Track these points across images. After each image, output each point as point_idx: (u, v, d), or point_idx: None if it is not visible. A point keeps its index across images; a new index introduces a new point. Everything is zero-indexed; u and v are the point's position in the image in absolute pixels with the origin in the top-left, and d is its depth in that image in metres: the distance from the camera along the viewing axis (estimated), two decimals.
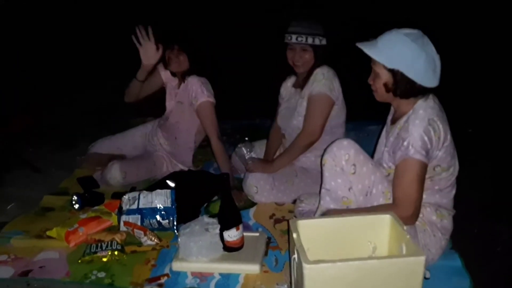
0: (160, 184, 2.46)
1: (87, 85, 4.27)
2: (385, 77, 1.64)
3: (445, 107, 1.74)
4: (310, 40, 2.21)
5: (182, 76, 2.67)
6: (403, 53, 1.57)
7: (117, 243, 1.97)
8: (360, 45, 1.64)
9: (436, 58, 1.60)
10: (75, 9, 5.93)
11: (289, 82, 2.53)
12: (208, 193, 2.47)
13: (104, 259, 1.91)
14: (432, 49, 1.59)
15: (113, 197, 2.46)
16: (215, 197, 2.49)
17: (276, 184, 2.37)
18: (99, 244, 1.96)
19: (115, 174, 2.55)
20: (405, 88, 1.62)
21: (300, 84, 2.36)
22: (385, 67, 1.62)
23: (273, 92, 2.66)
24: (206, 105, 2.61)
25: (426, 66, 1.57)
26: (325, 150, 1.83)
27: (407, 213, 1.60)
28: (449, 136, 1.65)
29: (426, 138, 1.58)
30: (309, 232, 1.53)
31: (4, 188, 2.68)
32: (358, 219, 1.57)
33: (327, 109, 2.27)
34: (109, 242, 1.96)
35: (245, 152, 2.45)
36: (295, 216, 2.25)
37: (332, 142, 1.81)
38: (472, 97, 3.78)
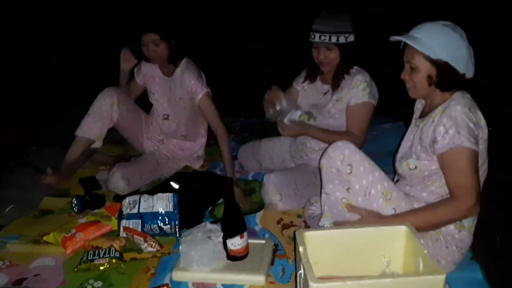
0: (164, 186, 2.37)
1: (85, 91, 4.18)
2: (427, 69, 1.54)
3: None
4: (334, 39, 2.07)
5: (165, 63, 2.54)
6: (447, 43, 1.50)
7: (115, 250, 1.87)
8: (399, 38, 1.56)
9: (471, 49, 1.54)
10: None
11: (303, 76, 2.40)
12: (213, 196, 2.37)
13: (102, 268, 1.82)
14: (466, 40, 1.53)
15: (114, 199, 2.38)
16: (221, 200, 2.38)
17: (299, 188, 2.24)
18: (97, 251, 1.86)
19: (117, 183, 2.44)
20: (451, 79, 1.53)
21: (331, 83, 2.22)
22: (428, 59, 1.52)
23: (283, 89, 2.53)
24: (207, 98, 2.54)
25: (467, 56, 1.51)
26: (321, 154, 1.72)
27: (468, 203, 1.49)
28: (486, 130, 1.56)
29: (471, 124, 1.49)
30: (318, 244, 1.42)
31: (4, 189, 2.60)
32: (371, 230, 1.45)
33: (371, 115, 2.20)
34: (107, 249, 1.86)
35: (285, 106, 2.07)
36: (304, 221, 2.14)
37: (328, 146, 1.73)
38: (493, 92, 3.61)
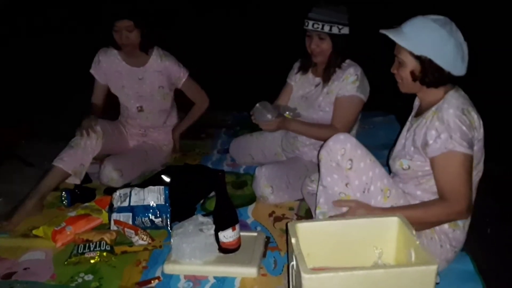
0: (155, 179, 2.35)
1: (77, 89, 4.12)
2: (412, 64, 1.52)
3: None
4: (327, 28, 2.06)
5: (135, 52, 2.50)
6: (431, 39, 1.46)
7: (106, 244, 1.85)
8: (385, 31, 1.53)
9: (464, 45, 1.49)
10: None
11: (295, 69, 2.39)
12: (204, 189, 2.36)
13: (92, 261, 1.80)
14: (460, 36, 1.49)
15: (105, 193, 2.35)
16: (212, 193, 2.37)
17: (291, 181, 2.22)
18: (87, 245, 1.84)
19: (110, 175, 2.41)
20: (434, 76, 1.50)
21: (322, 75, 2.21)
22: (411, 54, 1.50)
23: (275, 83, 2.52)
24: (189, 78, 2.65)
25: (454, 53, 1.47)
26: (321, 145, 1.70)
27: (460, 207, 1.48)
28: (482, 130, 1.54)
29: (464, 128, 1.46)
30: (310, 235, 1.41)
31: None
32: (363, 221, 1.44)
33: (359, 110, 2.18)
34: (98, 243, 1.85)
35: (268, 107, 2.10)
36: (296, 214, 2.15)
37: (324, 136, 1.71)
38: (491, 90, 3.62)
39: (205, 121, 3.50)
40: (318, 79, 2.24)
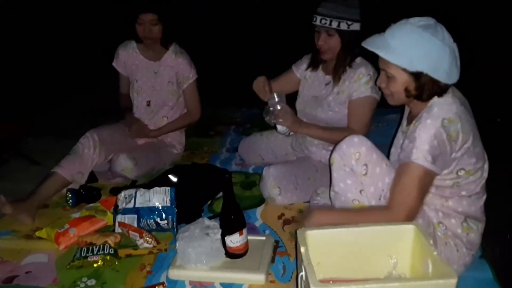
0: (161, 179, 2.29)
1: (83, 88, 4.08)
2: (404, 80, 1.41)
3: (469, 94, 1.51)
4: (335, 24, 1.96)
5: (155, 46, 2.50)
6: (426, 52, 1.35)
7: (110, 247, 1.80)
8: (370, 47, 1.41)
9: (455, 48, 1.39)
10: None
11: (304, 62, 2.30)
12: (212, 189, 2.29)
13: (95, 265, 1.74)
14: (450, 39, 1.37)
15: (111, 192, 2.30)
16: (220, 194, 2.30)
17: (299, 182, 2.15)
18: (91, 248, 1.79)
19: (125, 164, 2.40)
20: (431, 90, 1.40)
21: (332, 74, 2.12)
22: (404, 70, 1.39)
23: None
24: (195, 84, 2.61)
25: (451, 62, 1.36)
26: (333, 148, 1.62)
27: (396, 218, 1.41)
28: (471, 137, 1.41)
29: (435, 142, 1.36)
30: (320, 244, 1.34)
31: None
32: (377, 229, 1.37)
33: (373, 110, 2.10)
34: (101, 246, 1.79)
35: (276, 99, 2.08)
36: None
37: (341, 140, 1.62)
38: (501, 82, 3.50)
39: (214, 118, 3.47)
40: (328, 77, 2.15)
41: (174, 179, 2.27)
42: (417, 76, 1.38)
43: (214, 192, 2.29)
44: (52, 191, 2.23)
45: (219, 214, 2.04)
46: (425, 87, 1.39)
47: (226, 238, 1.68)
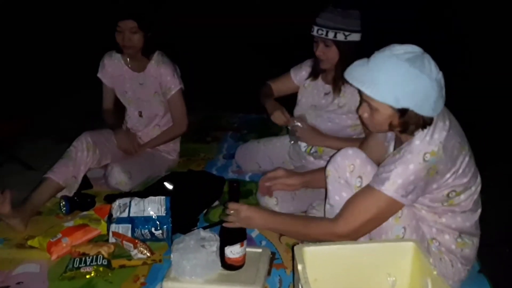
0: (157, 186, 2.26)
1: (77, 87, 4.03)
2: (389, 114, 1.35)
3: (461, 98, 1.46)
4: (331, 35, 1.94)
5: (136, 56, 2.41)
6: (414, 90, 1.28)
7: (103, 258, 1.77)
8: (354, 82, 1.34)
9: (441, 78, 1.32)
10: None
11: (304, 69, 2.27)
12: (208, 198, 2.27)
13: (88, 276, 1.71)
14: (436, 70, 1.30)
15: (105, 200, 2.27)
16: (216, 202, 2.27)
17: (296, 192, 2.11)
18: (83, 258, 1.76)
19: (119, 177, 2.34)
20: (417, 125, 1.34)
21: (332, 85, 2.09)
22: (390, 106, 1.33)
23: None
24: (179, 94, 2.48)
25: (437, 96, 1.30)
26: (328, 160, 1.60)
27: (336, 233, 1.42)
28: (459, 160, 1.37)
29: (412, 178, 1.33)
30: (318, 260, 1.31)
31: None
32: (376, 246, 1.35)
33: None
34: (94, 257, 1.76)
35: (297, 123, 2.13)
36: None
37: (336, 152, 1.59)
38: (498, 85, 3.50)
39: (211, 123, 3.45)
40: (328, 87, 2.13)
41: (169, 186, 2.24)
42: (402, 112, 1.33)
43: (209, 201, 2.26)
44: (46, 197, 2.18)
45: (216, 223, 2.05)
46: (409, 123, 1.34)
47: (226, 248, 1.64)
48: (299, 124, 2.13)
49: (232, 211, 1.60)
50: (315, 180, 1.82)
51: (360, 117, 1.48)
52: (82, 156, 2.30)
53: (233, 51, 5.24)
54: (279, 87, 2.34)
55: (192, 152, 2.90)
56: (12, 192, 1.98)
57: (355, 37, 1.96)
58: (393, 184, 1.34)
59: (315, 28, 1.97)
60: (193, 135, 3.05)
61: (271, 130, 2.99)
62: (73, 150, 2.29)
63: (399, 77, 1.28)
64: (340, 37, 1.94)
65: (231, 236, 1.65)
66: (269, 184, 1.89)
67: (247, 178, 2.54)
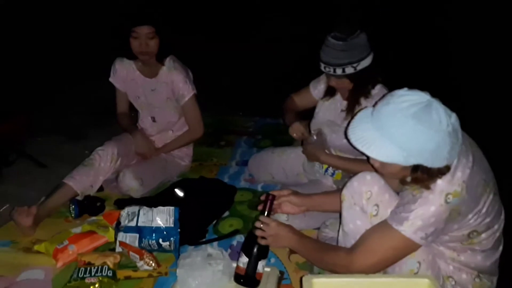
0: (168, 193, 2.23)
1: (84, 79, 4.01)
2: (399, 168, 1.28)
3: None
4: (339, 71, 1.87)
5: (151, 61, 2.36)
6: (423, 147, 1.19)
7: (108, 268, 1.73)
8: (358, 145, 1.26)
9: (454, 122, 1.21)
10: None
11: (322, 83, 2.21)
12: (219, 209, 2.22)
13: (92, 287, 1.67)
14: (446, 118, 1.18)
15: (115, 204, 2.25)
16: (226, 213, 2.23)
17: None
18: (88, 269, 1.72)
19: (131, 184, 2.31)
20: (430, 177, 1.25)
21: (347, 107, 2.03)
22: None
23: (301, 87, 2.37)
24: (193, 100, 2.44)
25: (451, 146, 1.20)
26: (344, 184, 1.53)
27: (352, 266, 1.36)
28: (482, 201, 1.29)
29: (432, 220, 1.26)
30: None
31: (3, 184, 2.48)
32: (388, 281, 1.28)
33: None
34: (100, 267, 1.72)
35: (314, 138, 2.10)
36: None
37: (353, 176, 1.53)
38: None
39: (225, 126, 3.39)
40: (345, 103, 2.06)
41: (180, 193, 2.20)
42: (414, 168, 1.25)
43: (220, 212, 2.21)
44: (61, 202, 2.19)
45: (225, 236, 2.01)
46: (423, 177, 1.25)
47: (260, 262, 1.58)
48: (314, 136, 2.10)
49: (262, 225, 1.56)
50: (326, 203, 1.74)
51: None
52: (105, 167, 2.29)
53: (252, 52, 5.17)
54: (300, 100, 2.30)
55: (205, 157, 2.86)
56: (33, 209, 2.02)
57: (366, 63, 1.88)
58: (412, 226, 1.27)
59: (322, 65, 1.90)
60: (208, 138, 3.02)
61: (286, 137, 2.92)
62: (97, 159, 2.28)
63: (405, 136, 1.19)
64: (349, 70, 1.86)
65: (264, 249, 1.60)
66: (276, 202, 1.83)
67: (259, 188, 2.49)
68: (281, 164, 2.41)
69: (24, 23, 4.95)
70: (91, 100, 3.59)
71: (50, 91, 3.76)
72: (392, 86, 1.84)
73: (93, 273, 1.71)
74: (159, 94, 2.44)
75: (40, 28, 4.98)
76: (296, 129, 2.13)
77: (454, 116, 1.21)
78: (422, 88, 1.26)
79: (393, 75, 2.07)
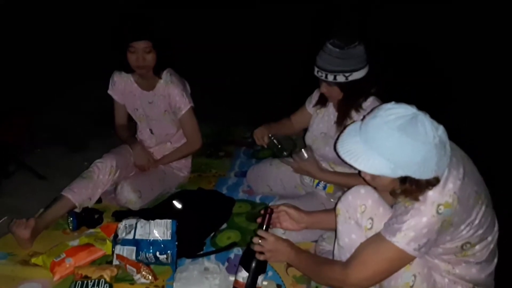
0: (166, 204, 2.24)
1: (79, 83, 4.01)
2: (389, 181, 1.29)
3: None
4: (330, 78, 1.86)
5: (148, 75, 2.36)
6: (410, 160, 1.20)
7: (105, 282, 1.73)
8: (346, 157, 1.27)
9: (442, 134, 1.22)
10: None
11: (315, 97, 2.22)
12: (216, 221, 2.22)
13: None
14: (432, 131, 1.20)
15: (113, 216, 2.25)
16: (224, 225, 2.22)
17: None
18: (85, 282, 1.73)
19: (129, 196, 2.32)
20: (420, 188, 1.26)
21: (337, 119, 2.03)
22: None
23: (300, 97, 2.36)
24: (190, 113, 2.44)
25: (439, 157, 1.21)
26: (339, 198, 1.54)
27: (347, 279, 1.38)
28: (474, 212, 1.29)
29: (425, 231, 1.26)
30: None
31: (1, 196, 2.49)
32: None
33: None
34: (96, 281, 1.73)
35: (306, 156, 2.07)
36: None
37: (347, 190, 1.53)
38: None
39: (224, 137, 3.39)
40: (338, 115, 2.06)
41: (178, 205, 2.20)
42: (402, 179, 1.26)
43: (218, 224, 2.21)
44: (59, 214, 2.19)
45: (223, 249, 2.00)
46: (412, 189, 1.26)
47: (260, 276, 1.60)
48: (304, 153, 2.07)
49: (260, 241, 1.57)
50: (325, 221, 1.75)
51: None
52: (103, 180, 2.30)
53: (252, 61, 5.19)
54: (297, 119, 2.30)
55: (204, 168, 2.86)
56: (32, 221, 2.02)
57: (358, 75, 1.86)
58: (405, 237, 1.28)
59: (316, 69, 1.91)
60: (206, 148, 3.02)
61: None
62: (95, 172, 2.29)
63: (392, 149, 1.20)
64: (340, 78, 1.86)
65: (263, 263, 1.61)
66: (275, 216, 1.83)
67: (257, 200, 2.48)
68: (279, 176, 2.41)
69: (24, 23, 4.98)
70: (91, 109, 3.60)
71: (50, 95, 3.77)
72: (387, 98, 1.86)
73: (89, 287, 1.71)
74: (157, 106, 2.45)
75: (40, 31, 5.01)
76: (258, 132, 2.21)
77: (441, 129, 1.23)
78: (419, 98, 1.27)
79: (389, 85, 2.07)
